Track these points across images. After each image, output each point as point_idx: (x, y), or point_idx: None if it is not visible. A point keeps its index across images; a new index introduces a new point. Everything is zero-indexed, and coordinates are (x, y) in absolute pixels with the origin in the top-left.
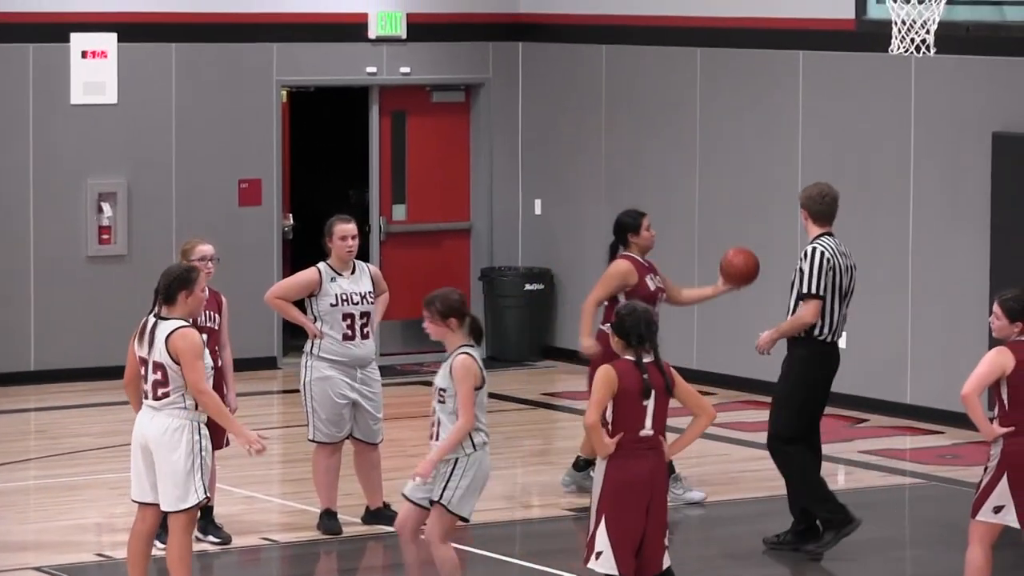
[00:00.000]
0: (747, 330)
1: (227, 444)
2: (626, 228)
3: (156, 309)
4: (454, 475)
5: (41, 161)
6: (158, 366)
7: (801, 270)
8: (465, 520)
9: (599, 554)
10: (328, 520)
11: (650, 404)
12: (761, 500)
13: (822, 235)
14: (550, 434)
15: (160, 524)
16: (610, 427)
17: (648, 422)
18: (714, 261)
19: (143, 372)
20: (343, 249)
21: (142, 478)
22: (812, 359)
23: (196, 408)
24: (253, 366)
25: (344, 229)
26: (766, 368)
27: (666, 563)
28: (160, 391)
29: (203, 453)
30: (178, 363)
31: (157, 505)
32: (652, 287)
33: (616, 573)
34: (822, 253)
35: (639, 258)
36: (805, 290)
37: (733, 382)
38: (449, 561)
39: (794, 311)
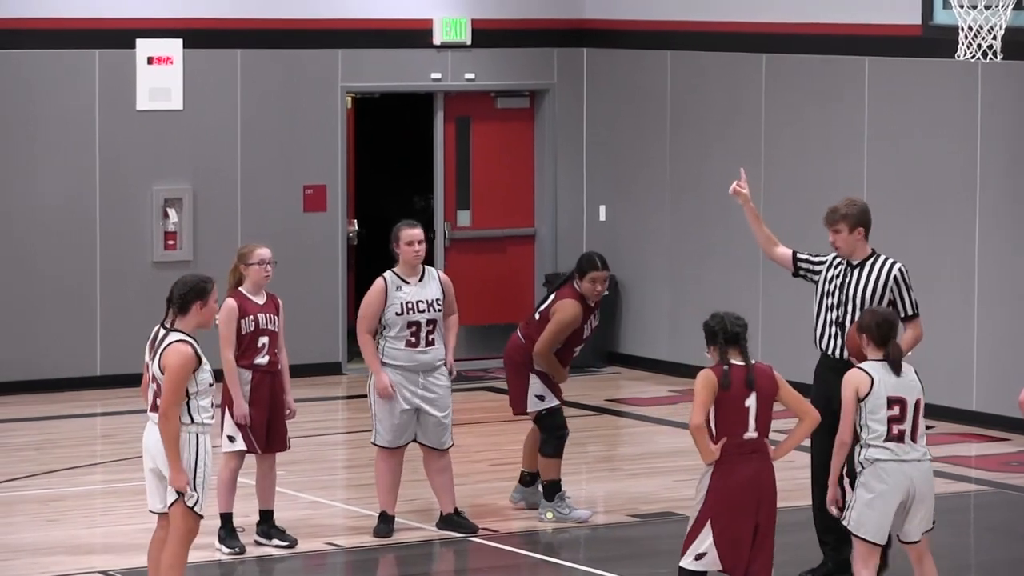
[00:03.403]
0: (810, 335)
1: (288, 447)
2: (579, 269)
3: (166, 319)
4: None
5: (107, 167)
6: (155, 378)
7: (909, 288)
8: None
9: (702, 555)
10: (381, 523)
11: (752, 406)
12: None
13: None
14: (614, 440)
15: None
16: (714, 432)
17: (751, 424)
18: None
19: (148, 381)
20: (410, 254)
21: (151, 488)
22: None
23: (194, 421)
24: (318, 371)
25: (411, 234)
26: None
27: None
28: (159, 401)
29: (202, 467)
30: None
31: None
32: (586, 333)
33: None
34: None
35: (586, 301)
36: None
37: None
38: None
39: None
